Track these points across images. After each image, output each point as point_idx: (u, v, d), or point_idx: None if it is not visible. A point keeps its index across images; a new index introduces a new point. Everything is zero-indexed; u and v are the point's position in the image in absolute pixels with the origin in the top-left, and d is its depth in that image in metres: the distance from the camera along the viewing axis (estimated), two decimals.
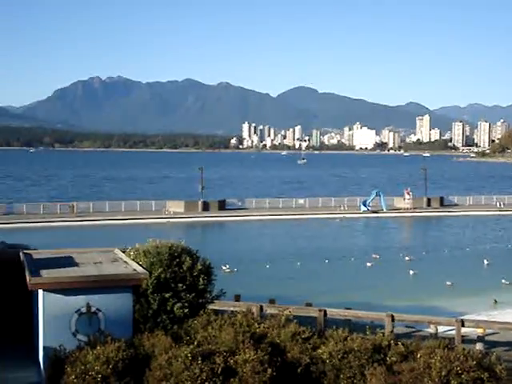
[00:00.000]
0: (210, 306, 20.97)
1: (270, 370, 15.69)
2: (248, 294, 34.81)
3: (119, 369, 15.78)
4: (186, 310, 19.30)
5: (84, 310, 18.74)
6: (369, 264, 56.00)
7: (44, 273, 19.44)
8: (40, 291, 18.69)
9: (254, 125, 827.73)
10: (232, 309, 25.14)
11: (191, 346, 16.15)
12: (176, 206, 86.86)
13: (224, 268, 49.04)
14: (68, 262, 21.43)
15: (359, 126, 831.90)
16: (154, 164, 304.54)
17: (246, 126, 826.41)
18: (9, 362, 19.56)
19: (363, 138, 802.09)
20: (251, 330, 17.64)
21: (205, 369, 15.32)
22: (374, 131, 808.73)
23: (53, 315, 18.55)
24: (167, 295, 19.21)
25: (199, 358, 15.55)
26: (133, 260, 20.83)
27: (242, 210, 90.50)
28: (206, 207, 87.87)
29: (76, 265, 21.02)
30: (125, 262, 21.25)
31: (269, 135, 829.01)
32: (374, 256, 59.44)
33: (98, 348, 16.32)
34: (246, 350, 16.08)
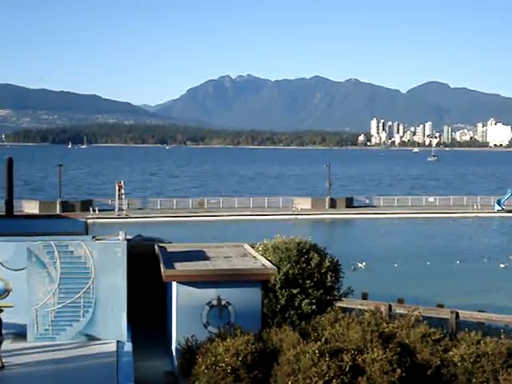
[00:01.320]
0: (338, 304, 20.92)
1: (398, 371, 15.45)
2: (376, 292, 34.35)
3: (248, 361, 16.09)
4: (314, 307, 19.36)
5: (215, 302, 19.27)
6: (502, 265, 53.70)
7: (177, 265, 20.17)
8: (174, 283, 19.41)
9: (382, 121, 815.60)
10: (360, 307, 24.93)
11: (319, 343, 16.19)
12: (303, 203, 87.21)
13: (360, 265, 49.25)
14: (200, 255, 22.11)
15: (493, 122, 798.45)
16: (281, 161, 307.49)
17: (374, 123, 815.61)
18: (144, 350, 20.45)
19: (498, 134, 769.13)
20: (379, 330, 17.43)
21: (332, 366, 15.31)
22: (509, 127, 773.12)
23: (185, 307, 19.20)
24: (295, 291, 19.35)
25: (327, 355, 15.55)
26: (261, 255, 21.16)
27: (369, 208, 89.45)
28: (333, 204, 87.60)
29: (207, 258, 21.64)
30: (254, 256, 21.63)
31: (397, 132, 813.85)
32: (510, 257, 56.89)
33: (228, 340, 16.71)
34: (375, 349, 15.92)
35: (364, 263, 50.18)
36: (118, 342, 20.18)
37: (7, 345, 19.09)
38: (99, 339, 20.23)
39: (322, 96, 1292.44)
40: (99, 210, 74.66)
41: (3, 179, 25.55)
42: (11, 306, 20.05)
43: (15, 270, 20.75)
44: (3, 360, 17.88)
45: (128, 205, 79.45)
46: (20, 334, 20.31)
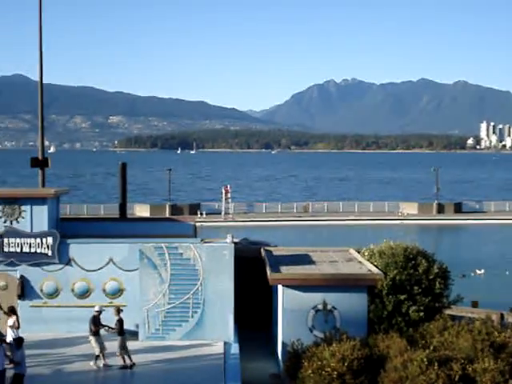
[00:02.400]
0: (446, 311, 20.42)
1: (511, 382, 14.92)
2: (486, 300, 33.22)
3: (354, 367, 16.01)
4: (422, 314, 19.00)
5: (320, 306, 19.29)
6: None
7: (283, 269, 20.33)
8: (280, 286, 19.58)
9: (492, 124, 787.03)
10: (470, 315, 24.26)
11: (427, 351, 15.91)
12: (410, 208, 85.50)
13: (478, 272, 47.93)
14: (305, 259, 22.20)
15: None
16: (387, 165, 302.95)
17: (483, 126, 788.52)
18: (250, 352, 20.71)
19: None
20: (491, 339, 16.89)
21: (441, 375, 14.99)
22: None
23: (291, 310, 19.33)
24: (402, 297, 19.06)
25: (435, 363, 15.25)
26: (367, 260, 20.98)
27: (479, 213, 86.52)
28: (440, 209, 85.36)
29: (313, 263, 21.70)
30: (359, 261, 21.49)
31: (509, 135, 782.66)
32: None
33: (334, 345, 16.70)
34: (486, 359, 15.46)
35: (483, 270, 48.55)
36: (225, 343, 20.58)
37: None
38: (207, 340, 20.71)
39: (428, 99, 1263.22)
40: (206, 214, 76.27)
41: (118, 183, 26.65)
42: (124, 306, 20.88)
43: (128, 271, 21.61)
44: (129, 359, 18.59)
45: (234, 209, 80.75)
46: (132, 333, 21.09)
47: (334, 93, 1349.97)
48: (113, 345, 18.66)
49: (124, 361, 18.52)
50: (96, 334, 18.62)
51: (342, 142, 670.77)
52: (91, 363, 18.58)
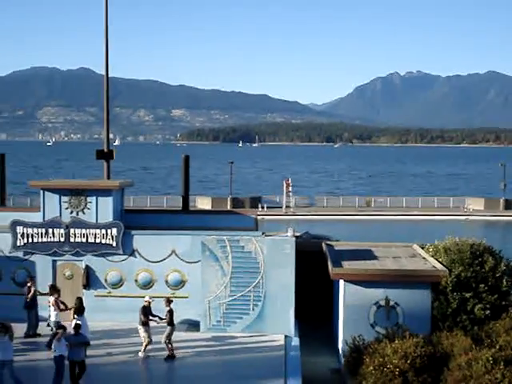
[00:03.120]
0: None
1: None
2: None
3: (417, 365, 15.76)
4: (488, 312, 18.53)
5: (383, 302, 19.04)
6: None
7: (345, 264, 20.15)
8: (341, 281, 19.41)
9: None
10: None
11: (493, 350, 15.52)
12: (475, 203, 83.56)
13: None
14: (367, 254, 21.93)
15: None
16: (452, 159, 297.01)
17: None
18: (311, 346, 20.63)
19: None
20: None
21: (507, 374, 14.61)
22: None
23: (352, 305, 19.14)
24: (467, 295, 18.62)
25: (501, 363, 14.87)
26: (432, 256, 20.58)
27: None
28: (508, 206, 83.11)
29: (375, 258, 21.42)
30: (423, 258, 21.10)
31: None
32: None
33: (396, 342, 16.47)
34: None
35: None
36: (285, 336, 20.56)
37: (180, 334, 20.08)
38: (267, 333, 20.73)
39: (496, 92, 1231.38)
40: (267, 207, 76.29)
41: (180, 176, 26.88)
42: (186, 297, 21.10)
43: (190, 263, 21.81)
44: (173, 350, 18.80)
45: (295, 202, 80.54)
46: (193, 324, 21.30)
47: (398, 85, 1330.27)
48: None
49: (170, 350, 18.68)
50: (145, 324, 18.82)
51: (405, 135, 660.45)
52: (140, 353, 18.80)
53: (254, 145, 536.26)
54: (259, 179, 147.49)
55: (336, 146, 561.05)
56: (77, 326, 16.69)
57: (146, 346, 18.84)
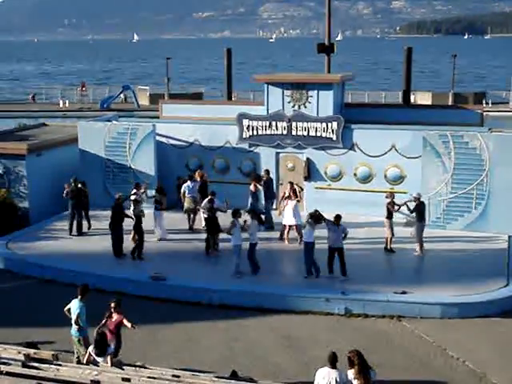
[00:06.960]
0: None
1: None
2: None
3: None
4: None
5: None
6: None
7: None
8: None
9: None
10: None
11: None
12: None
13: None
14: None
15: None
16: None
17: None
18: None
19: None
20: None
21: None
22: None
23: None
24: None
25: None
26: None
27: None
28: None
29: None
30: None
31: None
32: None
33: None
34: None
35: None
36: (509, 236, 19.76)
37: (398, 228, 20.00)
38: (490, 233, 20.05)
39: None
40: (492, 103, 71.97)
41: (402, 69, 26.10)
42: (405, 193, 20.95)
43: (410, 158, 21.48)
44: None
45: None
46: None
47: None
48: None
49: (420, 247, 18.67)
50: (390, 217, 18.82)
51: None
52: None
53: (486, 37, 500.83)
54: (483, 73, 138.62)
55: None
56: (337, 217, 17.06)
57: (389, 239, 18.98)
